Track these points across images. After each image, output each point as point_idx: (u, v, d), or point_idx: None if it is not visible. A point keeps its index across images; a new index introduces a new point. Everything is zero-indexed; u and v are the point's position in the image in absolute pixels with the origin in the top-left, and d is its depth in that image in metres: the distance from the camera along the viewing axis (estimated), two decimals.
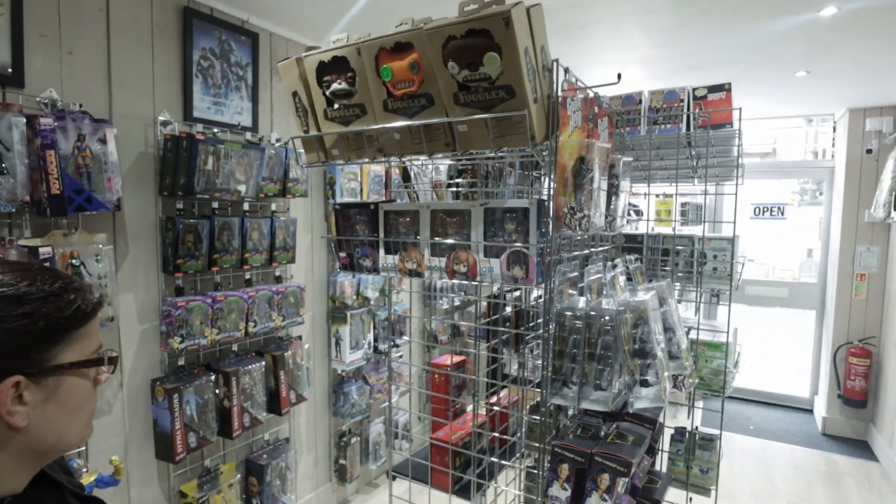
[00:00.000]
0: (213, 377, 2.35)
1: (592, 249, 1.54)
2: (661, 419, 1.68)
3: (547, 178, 1.78)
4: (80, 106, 1.94)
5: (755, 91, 3.87)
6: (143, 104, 2.19)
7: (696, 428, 1.93)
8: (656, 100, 1.84)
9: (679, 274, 1.96)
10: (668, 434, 1.98)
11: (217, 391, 2.36)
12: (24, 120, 1.74)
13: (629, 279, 1.52)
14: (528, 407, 1.96)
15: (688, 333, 1.81)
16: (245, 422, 2.47)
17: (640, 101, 1.86)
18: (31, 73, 1.86)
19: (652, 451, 1.62)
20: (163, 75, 2.26)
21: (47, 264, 0.78)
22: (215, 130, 2.41)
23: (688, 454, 1.88)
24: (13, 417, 0.62)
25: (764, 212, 5.42)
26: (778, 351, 7.61)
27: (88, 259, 1.92)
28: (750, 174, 4.40)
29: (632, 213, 2.81)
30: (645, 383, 1.19)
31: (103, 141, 1.96)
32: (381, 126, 1.32)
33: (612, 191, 1.46)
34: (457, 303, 3.83)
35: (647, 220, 2.00)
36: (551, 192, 1.22)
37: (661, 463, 1.95)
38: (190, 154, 2.17)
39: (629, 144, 1.87)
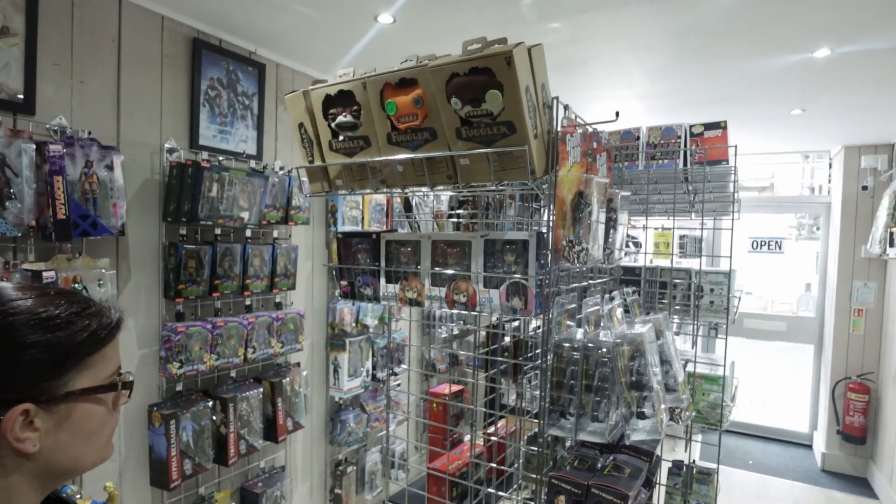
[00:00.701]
0: (210, 403, 2.33)
1: (591, 282, 1.57)
2: (657, 452, 1.67)
3: (546, 211, 1.81)
4: (89, 133, 1.98)
5: (752, 127, 3.95)
6: (150, 132, 2.24)
7: (694, 462, 1.92)
8: (654, 135, 1.89)
9: (676, 307, 1.98)
10: (665, 468, 1.96)
11: (214, 418, 2.35)
12: (34, 146, 1.78)
13: (627, 311, 1.54)
14: (525, 438, 1.95)
15: (685, 366, 1.82)
16: (241, 449, 2.44)
17: (639, 137, 1.91)
18: (43, 101, 1.90)
19: (649, 485, 1.60)
20: (170, 104, 2.31)
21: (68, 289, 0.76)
22: (220, 158, 2.45)
23: (685, 488, 1.86)
24: (23, 444, 0.61)
25: (762, 245, 5.46)
26: (777, 385, 7.56)
27: (91, 283, 1.93)
28: (748, 208, 4.45)
29: (630, 244, 2.85)
30: (642, 415, 1.19)
31: (110, 167, 1.99)
32: (384, 158, 1.35)
33: (611, 224, 1.48)
34: (455, 332, 3.83)
35: (646, 253, 2.02)
36: (550, 225, 1.24)
37: (659, 497, 1.93)
38: (195, 181, 2.21)
39: (627, 179, 1.91)
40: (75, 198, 1.89)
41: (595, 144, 1.40)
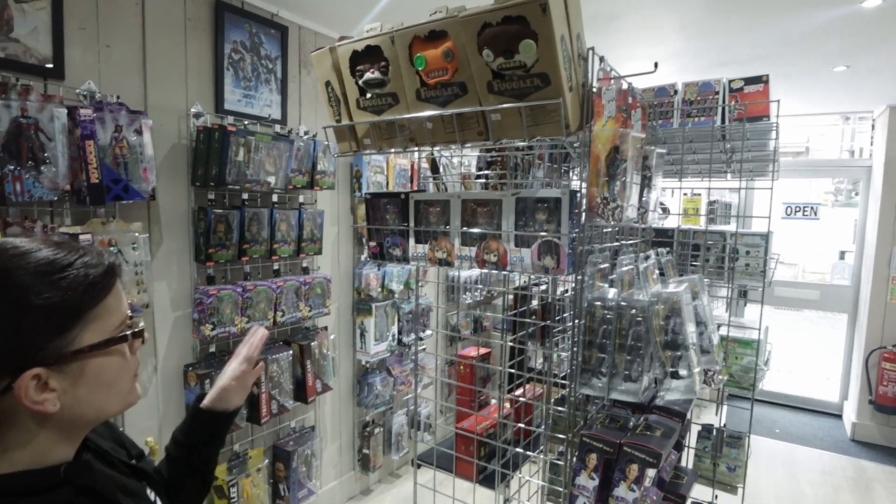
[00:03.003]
0: None
1: (623, 242, 1.53)
2: (688, 415, 1.66)
3: (576, 171, 1.77)
4: (118, 98, 1.99)
5: (790, 87, 3.78)
6: (176, 96, 2.24)
7: (724, 426, 1.91)
8: (690, 92, 1.81)
9: (710, 269, 1.93)
10: (694, 431, 1.95)
11: None
12: (66, 111, 1.79)
13: (661, 273, 1.51)
14: (553, 400, 1.95)
15: (717, 330, 1.78)
16: (273, 409, 2.51)
17: (674, 93, 1.84)
18: (71, 66, 1.91)
19: (679, 447, 1.60)
20: (195, 68, 2.30)
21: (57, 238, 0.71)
22: (246, 122, 2.45)
23: (715, 451, 1.85)
24: (43, 406, 0.61)
25: (796, 212, 5.29)
26: (806, 354, 7.43)
27: (125, 247, 1.97)
28: (782, 173, 4.29)
29: (659, 210, 2.78)
30: (676, 375, 1.17)
31: (139, 132, 2.01)
32: (413, 115, 1.32)
33: (645, 183, 1.44)
34: (480, 298, 3.83)
35: (679, 214, 1.97)
36: (583, 182, 1.21)
37: (688, 460, 1.92)
38: (222, 145, 2.21)
39: (661, 137, 1.84)
40: (107, 162, 1.91)
41: (630, 100, 1.35)
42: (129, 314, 0.72)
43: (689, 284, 1.30)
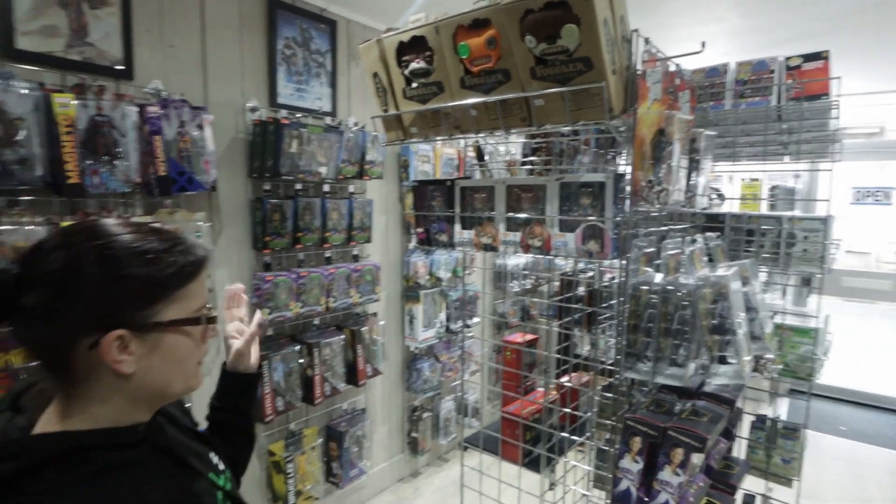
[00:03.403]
0: (297, 348, 2.51)
1: (671, 227, 1.51)
2: (739, 403, 1.62)
3: (622, 156, 1.75)
4: (181, 95, 2.11)
5: (860, 64, 3.55)
6: (233, 92, 2.36)
7: (779, 417, 1.85)
8: (744, 71, 1.75)
9: (765, 255, 1.86)
10: (747, 422, 1.91)
11: (301, 361, 2.52)
12: (136, 109, 1.92)
13: (710, 260, 1.48)
14: (599, 386, 1.95)
15: (772, 318, 1.73)
16: (326, 390, 2.62)
17: (726, 73, 1.78)
18: (139, 67, 2.04)
19: (729, 436, 1.57)
20: (250, 64, 2.41)
21: (158, 225, 0.81)
22: (298, 115, 2.54)
23: (769, 442, 1.81)
24: (121, 365, 0.69)
25: (866, 196, 4.98)
26: (879, 349, 7.00)
27: (189, 235, 2.10)
28: (852, 155, 4.04)
29: (714, 196, 2.69)
30: (723, 360, 1.16)
31: (201, 127, 2.13)
32: (457, 103, 1.35)
33: (693, 166, 1.41)
34: (528, 286, 3.83)
35: (734, 199, 1.91)
36: (629, 166, 1.20)
37: (740, 450, 1.88)
38: (276, 138, 2.31)
39: (712, 120, 1.79)
40: (172, 156, 2.04)
41: (678, 81, 1.33)
42: (208, 305, 0.80)
43: (738, 269, 1.27)
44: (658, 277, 1.24)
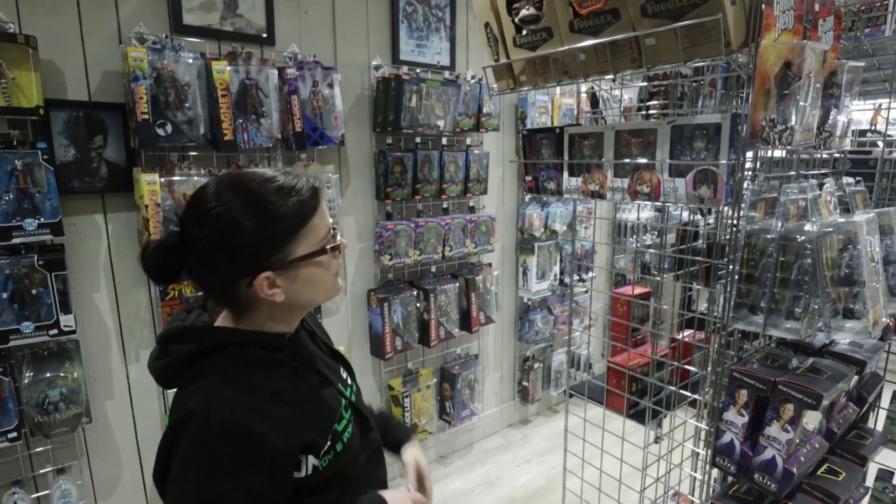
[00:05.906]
0: (415, 292, 2.70)
1: (803, 172, 1.37)
2: (873, 366, 1.47)
3: (745, 92, 1.61)
4: (314, 57, 2.31)
5: None
6: (359, 51, 2.51)
7: None
8: None
9: None
10: (888, 392, 1.72)
11: (418, 305, 2.71)
12: (276, 72, 2.15)
13: (846, 209, 1.33)
14: (717, 345, 1.87)
15: None
16: (441, 334, 2.80)
17: None
18: (279, 33, 2.26)
19: (860, 402, 1.44)
20: (375, 24, 2.54)
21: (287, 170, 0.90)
22: (418, 71, 2.64)
23: None
24: (273, 297, 0.85)
25: None
26: None
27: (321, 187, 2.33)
28: None
29: (868, 135, 2.34)
30: (850, 313, 1.07)
31: (331, 86, 2.31)
32: (567, 48, 1.34)
33: (832, 103, 1.27)
34: (647, 242, 3.67)
35: (885, 138, 1.67)
36: (749, 104, 1.12)
37: (877, 421, 1.72)
38: (397, 93, 2.44)
39: (868, 50, 1.56)
40: (307, 113, 2.25)
41: (818, 7, 1.19)
42: (332, 228, 0.92)
43: (876, 216, 1.14)
44: (778, 224, 1.16)
